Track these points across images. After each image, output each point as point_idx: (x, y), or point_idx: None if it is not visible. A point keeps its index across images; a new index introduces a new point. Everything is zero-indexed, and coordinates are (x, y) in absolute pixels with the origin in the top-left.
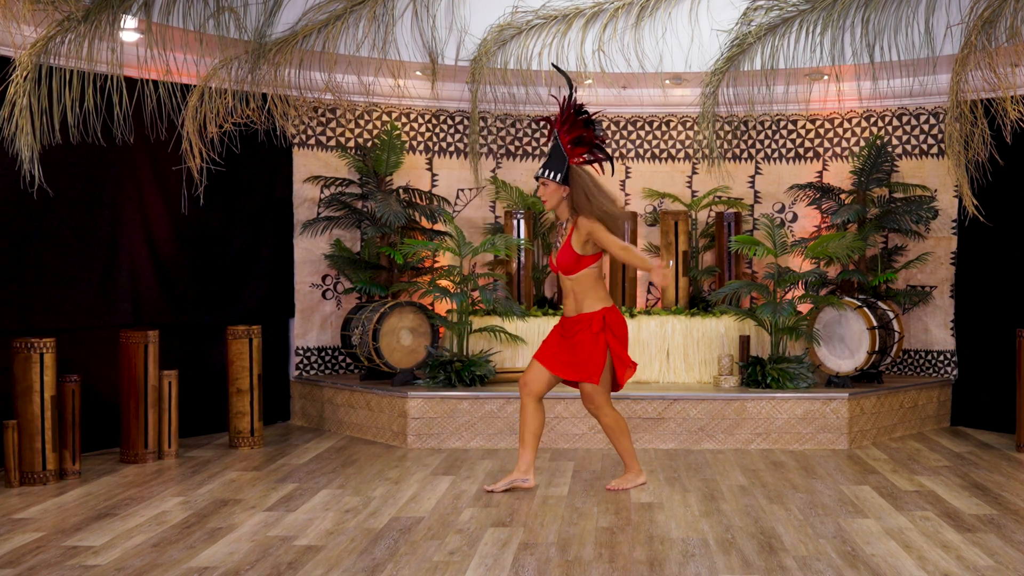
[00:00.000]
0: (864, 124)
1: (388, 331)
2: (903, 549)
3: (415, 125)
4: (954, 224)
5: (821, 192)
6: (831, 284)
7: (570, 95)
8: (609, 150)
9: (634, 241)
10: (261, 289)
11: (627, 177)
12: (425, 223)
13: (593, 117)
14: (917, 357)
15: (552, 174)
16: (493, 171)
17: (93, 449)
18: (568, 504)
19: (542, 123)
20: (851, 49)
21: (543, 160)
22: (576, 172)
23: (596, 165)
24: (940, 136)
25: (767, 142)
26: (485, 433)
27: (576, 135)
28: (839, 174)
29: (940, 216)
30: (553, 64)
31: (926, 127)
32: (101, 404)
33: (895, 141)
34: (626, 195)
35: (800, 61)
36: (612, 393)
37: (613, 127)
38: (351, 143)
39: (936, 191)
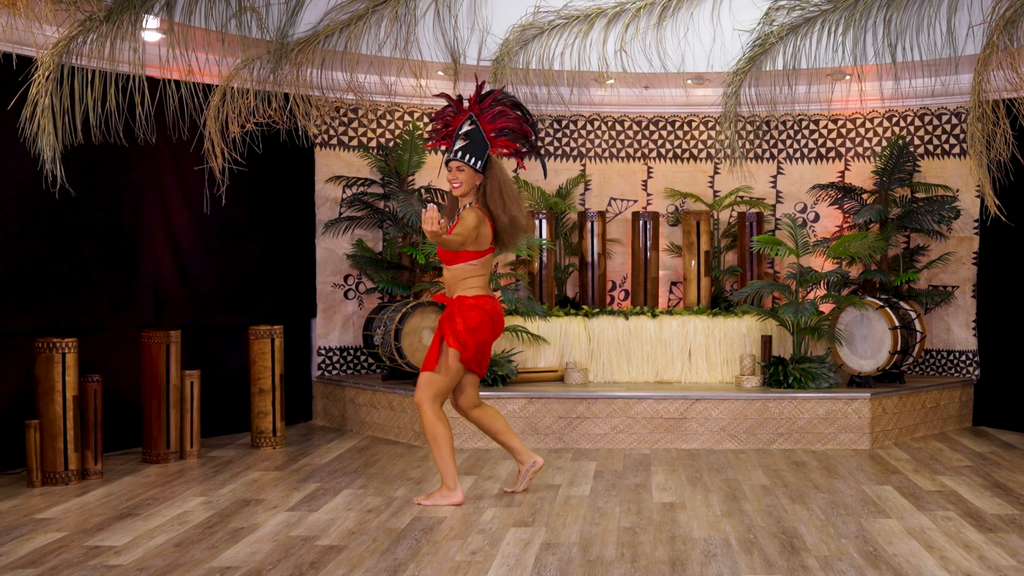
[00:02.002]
0: (886, 124)
1: (410, 331)
2: (925, 549)
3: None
4: (976, 224)
5: (843, 192)
6: (853, 284)
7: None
8: (634, 151)
9: (656, 241)
10: (283, 289)
11: (649, 177)
12: None
13: (531, 118)
14: (939, 357)
15: (472, 159)
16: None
17: (115, 449)
18: (590, 504)
19: (446, 104)
20: (873, 49)
21: (458, 142)
22: (495, 164)
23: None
24: (962, 136)
25: (789, 142)
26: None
27: (503, 126)
28: (861, 174)
29: (962, 216)
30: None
31: (948, 127)
32: (123, 404)
33: (917, 141)
34: (648, 195)
35: (822, 61)
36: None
37: (635, 127)
38: (373, 143)
39: (958, 191)
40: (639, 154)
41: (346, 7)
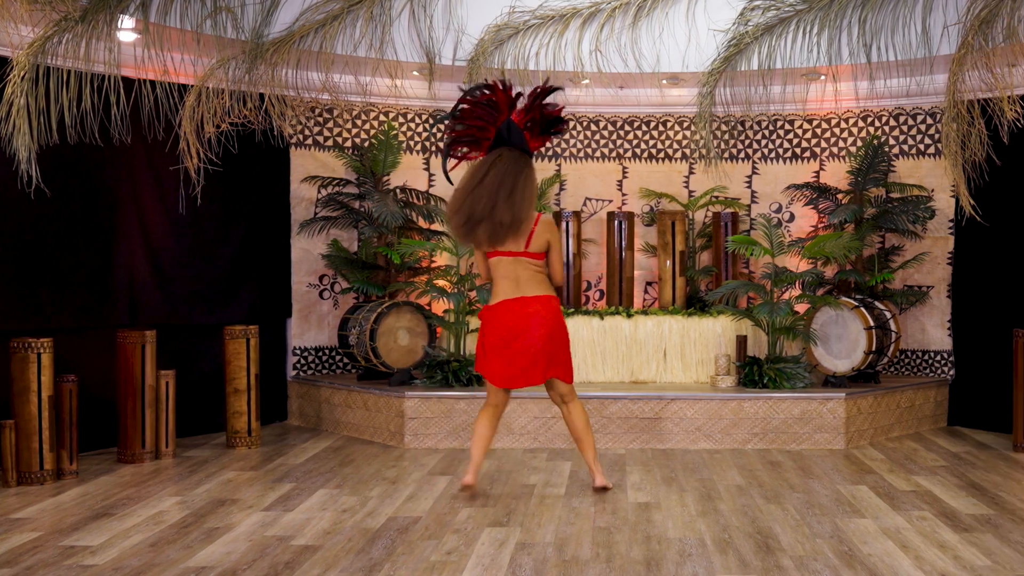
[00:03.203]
0: (861, 124)
1: (385, 331)
2: (900, 549)
3: (412, 125)
4: (951, 224)
5: (818, 192)
6: (828, 284)
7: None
8: (609, 151)
9: (631, 241)
10: (258, 289)
11: (624, 177)
12: (422, 223)
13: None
14: (914, 357)
15: None
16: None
17: (90, 449)
18: (565, 504)
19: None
20: (848, 49)
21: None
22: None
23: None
24: (937, 136)
25: (764, 142)
26: None
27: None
28: (836, 174)
29: (937, 216)
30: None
31: (923, 127)
32: (98, 404)
33: (892, 141)
34: (623, 195)
35: (797, 61)
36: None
37: (610, 127)
38: (348, 143)
39: (933, 191)
40: (614, 154)
41: (321, 7)
